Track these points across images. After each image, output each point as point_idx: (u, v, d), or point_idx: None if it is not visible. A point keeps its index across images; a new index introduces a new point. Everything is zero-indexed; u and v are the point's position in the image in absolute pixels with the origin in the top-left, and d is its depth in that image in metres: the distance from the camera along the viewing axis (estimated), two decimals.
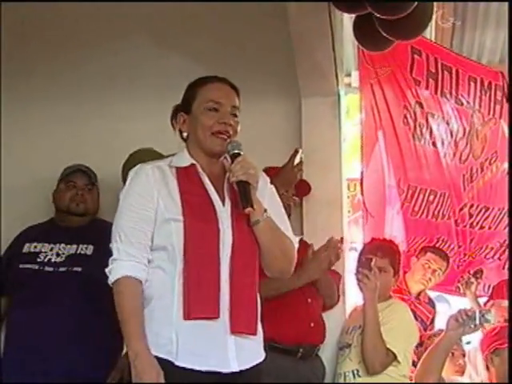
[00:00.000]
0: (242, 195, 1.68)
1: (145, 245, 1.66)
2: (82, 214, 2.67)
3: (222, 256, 1.65)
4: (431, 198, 3.37)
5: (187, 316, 1.60)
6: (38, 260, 2.55)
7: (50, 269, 2.53)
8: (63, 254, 2.56)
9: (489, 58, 4.30)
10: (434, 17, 3.36)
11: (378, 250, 2.62)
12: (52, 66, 3.00)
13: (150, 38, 2.98)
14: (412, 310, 2.88)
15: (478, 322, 2.37)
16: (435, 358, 2.47)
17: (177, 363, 1.59)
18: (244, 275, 1.68)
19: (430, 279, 3.25)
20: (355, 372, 2.51)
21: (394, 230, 3.21)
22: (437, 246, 3.44)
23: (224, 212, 1.70)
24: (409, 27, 2.42)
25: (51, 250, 2.58)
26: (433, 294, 3.49)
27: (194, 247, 1.63)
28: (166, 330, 1.60)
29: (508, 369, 2.32)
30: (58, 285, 2.48)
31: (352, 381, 2.51)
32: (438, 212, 3.44)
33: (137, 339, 1.58)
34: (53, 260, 2.54)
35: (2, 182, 2.90)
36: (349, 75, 3.17)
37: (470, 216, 3.60)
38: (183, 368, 1.59)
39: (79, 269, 2.52)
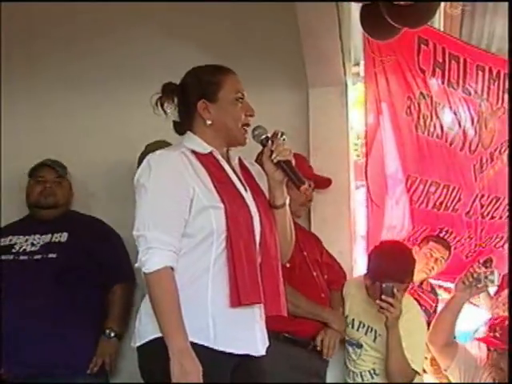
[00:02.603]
0: (293, 174, 1.71)
1: (180, 233, 1.62)
2: (51, 207, 2.71)
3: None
4: (432, 189, 3.34)
5: (237, 303, 1.60)
6: (13, 251, 2.61)
7: (25, 257, 2.58)
8: (38, 243, 2.62)
9: (498, 46, 4.27)
10: (442, 5, 3.34)
11: (407, 276, 2.50)
12: (58, 57, 3.02)
13: (156, 28, 2.98)
14: (415, 298, 2.89)
15: (482, 283, 2.56)
16: (445, 320, 2.61)
17: (215, 347, 1.59)
18: (272, 258, 1.71)
19: (432, 268, 3.24)
20: (372, 372, 2.53)
21: (394, 219, 3.20)
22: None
23: (248, 198, 1.72)
24: (416, 15, 2.40)
25: (26, 241, 2.63)
26: None
27: (236, 234, 1.63)
28: (202, 315, 1.60)
29: (508, 368, 2.35)
30: (34, 272, 2.54)
31: (370, 380, 2.52)
32: (441, 203, 3.41)
33: (181, 335, 1.55)
34: (27, 250, 2.60)
35: (7, 172, 2.91)
36: (357, 65, 3.15)
37: (481, 206, 3.59)
38: (221, 352, 1.60)
39: (54, 255, 2.57)
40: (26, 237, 2.63)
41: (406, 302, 2.55)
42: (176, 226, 1.61)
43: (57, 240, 2.61)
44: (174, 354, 1.53)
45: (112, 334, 2.54)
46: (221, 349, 1.60)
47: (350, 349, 2.58)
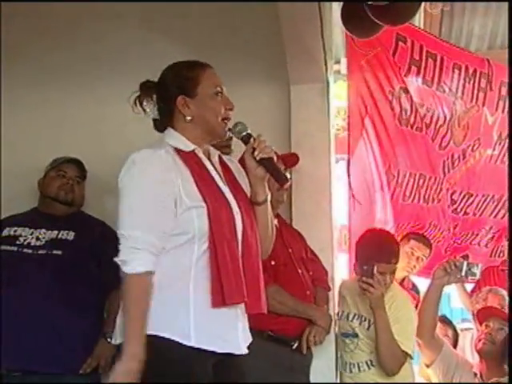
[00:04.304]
0: (276, 171, 1.73)
1: (163, 233, 1.61)
2: (69, 204, 2.67)
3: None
4: (421, 182, 3.40)
5: (221, 303, 1.60)
6: (17, 243, 2.55)
7: (29, 251, 2.53)
8: (43, 238, 2.56)
9: (477, 46, 4.33)
10: (423, 3, 3.37)
11: (392, 257, 2.56)
12: (36, 50, 2.97)
13: (136, 21, 2.96)
14: None
15: (463, 273, 2.46)
16: (427, 310, 2.58)
17: (196, 346, 1.58)
18: (253, 257, 1.70)
19: (414, 266, 3.26)
20: (369, 363, 2.56)
21: (388, 215, 3.22)
22: (428, 230, 3.47)
23: (230, 196, 1.71)
24: (398, 12, 2.44)
25: (31, 234, 2.57)
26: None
27: (218, 234, 1.63)
28: (183, 314, 1.59)
29: (508, 369, 2.38)
30: (37, 267, 2.49)
31: (367, 371, 2.56)
32: (429, 196, 3.47)
33: (139, 342, 1.55)
34: (32, 243, 2.54)
35: None
36: (338, 62, 3.16)
37: (454, 202, 3.64)
38: (201, 350, 1.59)
39: (59, 252, 2.53)
40: (32, 230, 2.57)
41: (394, 290, 2.62)
42: (160, 226, 1.60)
43: (63, 238, 2.56)
44: (125, 355, 1.54)
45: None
46: (202, 347, 1.59)
47: (347, 340, 2.61)
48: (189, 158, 1.69)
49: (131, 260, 1.58)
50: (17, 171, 2.88)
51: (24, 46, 2.96)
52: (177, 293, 1.61)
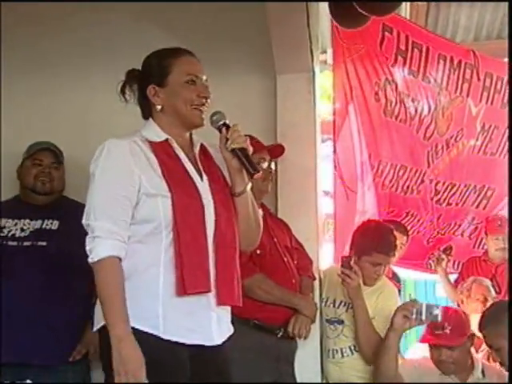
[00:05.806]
0: (247, 161, 1.70)
1: (126, 222, 1.61)
2: (47, 193, 2.63)
3: (207, 231, 1.67)
4: (401, 172, 3.44)
5: (182, 291, 1.60)
6: (1, 234, 2.52)
7: (14, 243, 2.50)
8: (28, 229, 2.54)
9: (463, 37, 4.35)
10: None
11: (391, 249, 2.64)
12: (26, 37, 2.93)
13: (127, 10, 2.93)
14: None
15: (424, 317, 2.40)
16: (387, 357, 2.44)
17: (163, 336, 1.59)
18: (227, 248, 1.69)
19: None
20: (352, 348, 2.61)
21: (366, 204, 3.25)
22: (406, 219, 3.50)
23: (203, 186, 1.71)
24: (383, 3, 2.45)
25: (15, 225, 2.55)
26: None
27: (183, 223, 1.62)
28: (152, 304, 1.60)
29: (508, 368, 2.33)
30: (23, 259, 2.47)
31: (350, 356, 2.61)
32: (408, 187, 3.50)
33: (123, 323, 1.55)
34: (17, 235, 2.52)
35: None
36: (325, 52, 3.17)
37: (437, 192, 3.68)
38: (169, 341, 1.59)
39: (44, 243, 2.51)
40: (16, 221, 2.54)
41: (382, 280, 2.69)
42: (121, 215, 1.61)
43: (48, 227, 2.54)
44: (114, 342, 1.54)
45: None
46: (171, 338, 1.60)
47: (332, 327, 2.65)
48: (159, 149, 1.69)
49: (94, 248, 1.60)
50: (3, 158, 2.84)
51: (15, 33, 2.92)
52: (148, 281, 1.61)
